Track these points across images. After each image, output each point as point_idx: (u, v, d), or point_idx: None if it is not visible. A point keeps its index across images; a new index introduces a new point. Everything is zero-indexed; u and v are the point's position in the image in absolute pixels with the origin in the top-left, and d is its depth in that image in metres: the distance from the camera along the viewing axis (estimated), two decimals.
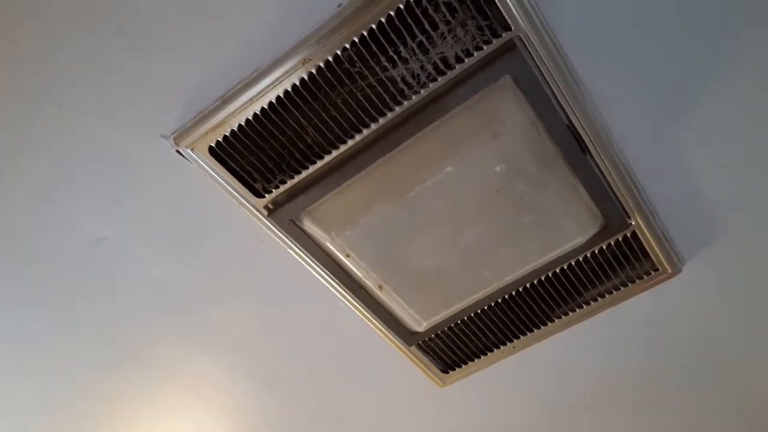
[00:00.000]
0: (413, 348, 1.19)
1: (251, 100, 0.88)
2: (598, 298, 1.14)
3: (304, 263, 1.05)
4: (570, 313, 1.17)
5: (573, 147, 0.93)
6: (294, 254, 1.04)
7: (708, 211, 1.05)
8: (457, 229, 0.95)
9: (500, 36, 0.83)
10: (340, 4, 0.82)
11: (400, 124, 0.90)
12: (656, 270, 1.11)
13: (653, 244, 1.07)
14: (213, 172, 0.95)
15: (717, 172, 1.00)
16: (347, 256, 0.99)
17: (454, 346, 1.21)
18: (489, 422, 1.38)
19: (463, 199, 0.92)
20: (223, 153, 0.93)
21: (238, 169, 0.94)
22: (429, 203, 0.92)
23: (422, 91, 0.88)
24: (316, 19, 0.83)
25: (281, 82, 0.86)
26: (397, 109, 0.89)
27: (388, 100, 0.88)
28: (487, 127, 0.87)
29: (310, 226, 0.98)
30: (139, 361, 1.27)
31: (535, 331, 1.19)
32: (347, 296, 1.09)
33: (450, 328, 1.17)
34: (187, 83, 0.88)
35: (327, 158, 0.93)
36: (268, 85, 0.86)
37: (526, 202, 0.92)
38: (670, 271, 1.11)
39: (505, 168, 0.89)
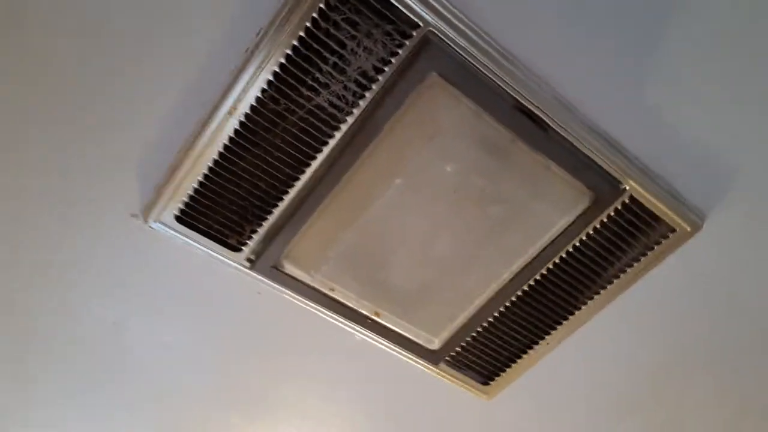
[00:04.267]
0: (442, 365, 1.15)
1: (196, 161, 0.90)
2: (620, 274, 1.06)
3: (302, 305, 1.05)
4: (595, 297, 1.08)
5: (528, 126, 0.87)
6: (290, 299, 1.04)
7: (713, 157, 0.95)
8: (425, 240, 0.91)
9: (411, 36, 0.81)
10: (247, 49, 0.83)
11: (344, 149, 0.88)
12: (673, 231, 1.01)
13: (658, 204, 0.98)
14: (187, 238, 0.97)
15: (700, 111, 0.90)
16: (332, 290, 0.98)
17: (486, 356, 1.16)
18: (549, 424, 1.30)
19: (421, 208, 0.89)
20: (190, 218, 0.95)
21: (208, 229, 0.96)
22: (389, 221, 0.89)
23: (354, 111, 0.86)
24: (226, 70, 0.84)
25: (217, 137, 0.87)
26: (336, 134, 0.88)
27: (324, 128, 0.87)
28: (422, 130, 0.84)
29: (291, 269, 0.98)
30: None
31: (564, 323, 1.11)
32: (355, 328, 1.07)
33: (474, 339, 1.12)
34: (136, 159, 0.92)
35: (286, 199, 0.93)
36: (206, 144, 0.88)
37: (487, 195, 0.87)
38: (689, 228, 1.01)
39: (456, 166, 0.85)
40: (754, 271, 1.05)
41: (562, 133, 0.89)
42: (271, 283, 1.00)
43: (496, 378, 1.19)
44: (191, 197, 0.93)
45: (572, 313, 1.10)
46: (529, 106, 0.87)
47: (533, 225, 0.92)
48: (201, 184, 0.92)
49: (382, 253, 0.93)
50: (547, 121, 0.88)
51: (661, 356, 1.16)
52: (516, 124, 0.87)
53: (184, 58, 0.83)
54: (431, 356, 1.12)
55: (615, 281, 1.06)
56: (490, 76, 0.84)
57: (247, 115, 0.86)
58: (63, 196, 0.95)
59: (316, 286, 0.98)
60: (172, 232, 0.97)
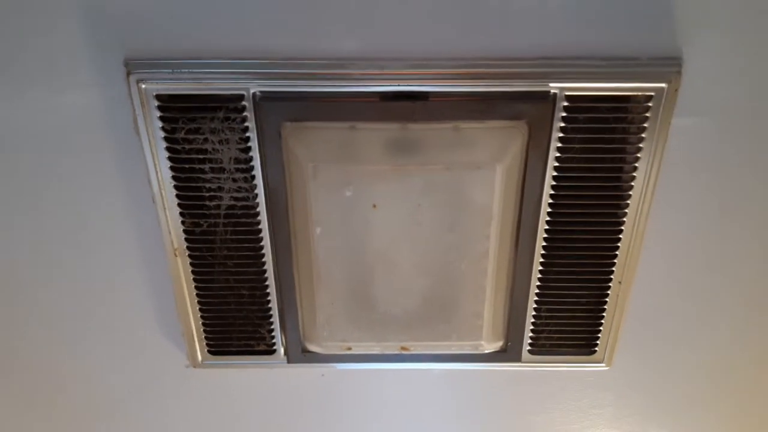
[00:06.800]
0: (527, 355, 1.05)
1: (188, 302, 1.00)
2: (635, 172, 0.89)
3: (359, 370, 1.07)
4: (628, 206, 0.92)
5: (406, 106, 0.83)
6: (342, 370, 1.07)
7: None
8: (390, 262, 0.89)
9: (243, 107, 0.83)
10: (153, 198, 0.93)
11: (274, 229, 0.92)
12: (648, 98, 0.84)
13: (602, 84, 0.83)
14: (231, 363, 1.07)
15: None
16: (349, 349, 0.98)
17: (567, 326, 1.03)
18: (686, 366, 1.09)
19: (359, 237, 0.88)
20: (221, 348, 1.06)
21: (237, 348, 1.06)
22: (343, 264, 0.90)
23: (257, 192, 0.90)
24: (153, 223, 0.96)
25: (185, 277, 0.98)
26: (260, 218, 0.92)
27: (246, 220, 0.92)
28: (305, 174, 0.85)
29: (313, 348, 1.02)
30: None
31: (619, 248, 0.96)
32: (412, 366, 1.05)
33: (537, 317, 1.01)
34: (157, 324, 1.07)
35: (270, 291, 0.98)
36: (184, 286, 0.99)
37: (411, 193, 0.83)
38: (665, 84, 0.83)
39: (354, 186, 0.84)
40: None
41: (439, 90, 0.83)
42: (313, 365, 1.05)
43: (598, 341, 1.05)
44: (206, 330, 1.04)
45: (619, 236, 0.95)
46: (393, 90, 0.83)
47: (478, 190, 0.84)
48: (204, 317, 1.02)
49: (363, 293, 0.92)
50: (419, 89, 0.83)
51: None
52: (393, 113, 0.84)
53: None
54: (504, 356, 1.03)
55: (634, 181, 0.90)
56: (330, 91, 0.83)
57: (189, 248, 0.95)
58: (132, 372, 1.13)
59: (336, 352, 0.99)
60: (217, 362, 1.08)
